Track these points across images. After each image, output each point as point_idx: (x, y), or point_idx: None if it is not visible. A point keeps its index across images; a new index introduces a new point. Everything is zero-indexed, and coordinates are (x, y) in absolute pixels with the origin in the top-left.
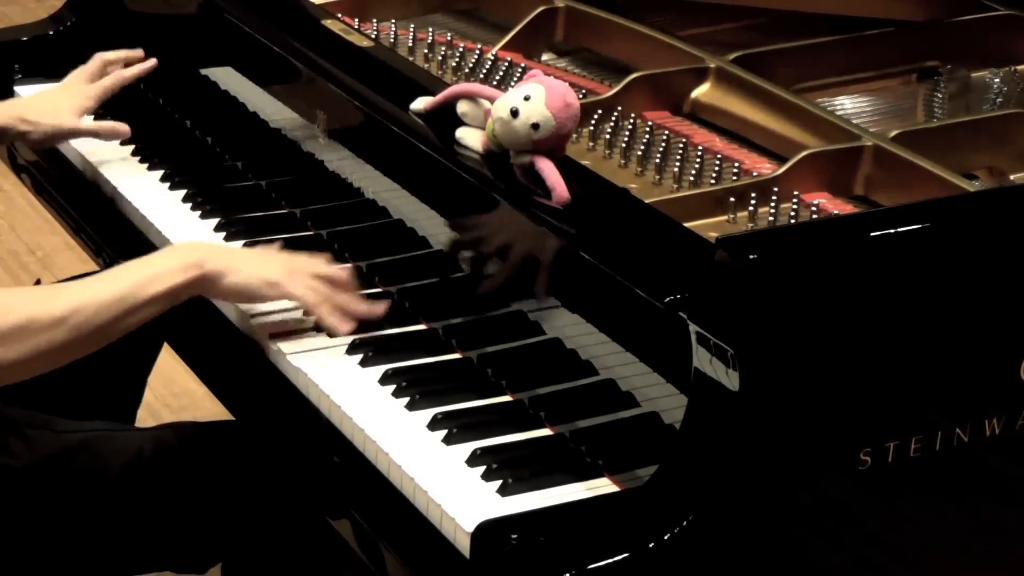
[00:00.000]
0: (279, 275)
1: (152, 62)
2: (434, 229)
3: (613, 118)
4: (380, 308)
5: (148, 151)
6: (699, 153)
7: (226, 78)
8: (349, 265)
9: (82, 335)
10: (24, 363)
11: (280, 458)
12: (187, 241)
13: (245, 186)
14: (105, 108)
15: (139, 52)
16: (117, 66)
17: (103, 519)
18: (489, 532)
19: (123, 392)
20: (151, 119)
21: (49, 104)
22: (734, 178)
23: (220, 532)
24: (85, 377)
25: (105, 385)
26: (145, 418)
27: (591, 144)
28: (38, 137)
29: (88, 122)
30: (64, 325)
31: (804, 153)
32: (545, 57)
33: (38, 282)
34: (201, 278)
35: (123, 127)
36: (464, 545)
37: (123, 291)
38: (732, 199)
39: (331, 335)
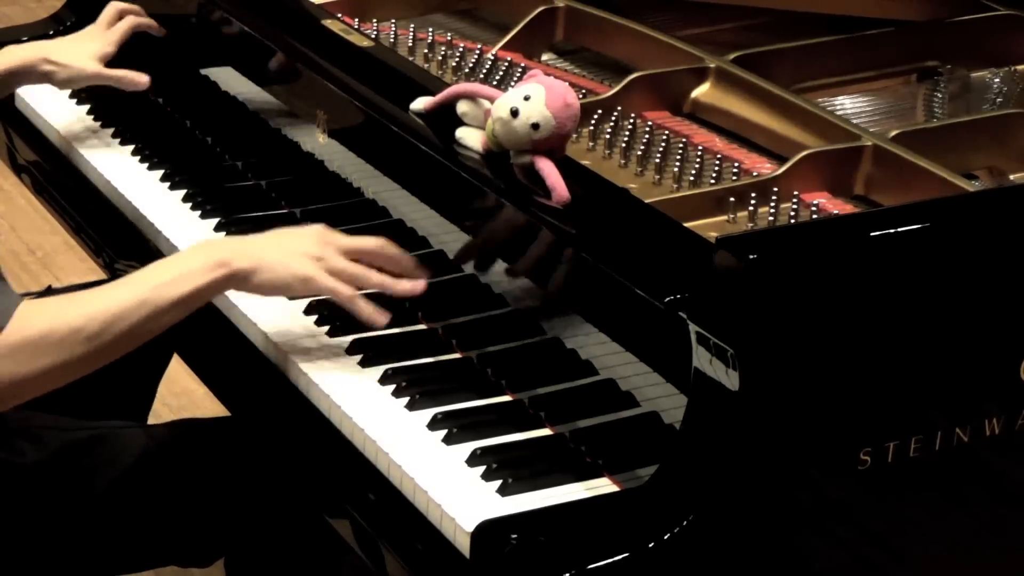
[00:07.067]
0: (311, 269)
1: (159, 27)
2: (434, 229)
3: (613, 118)
4: (421, 284)
5: (148, 151)
6: (699, 153)
7: (226, 78)
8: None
9: (102, 344)
10: (43, 377)
11: (281, 455)
12: (211, 240)
13: (245, 186)
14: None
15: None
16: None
17: (110, 514)
18: (489, 532)
19: (134, 396)
20: (151, 119)
21: (73, 49)
22: (734, 178)
23: (223, 526)
24: (96, 381)
25: (116, 390)
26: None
27: (591, 144)
28: (60, 79)
29: (109, 70)
30: (82, 334)
31: (804, 153)
32: (545, 57)
33: (48, 288)
34: (228, 277)
35: (143, 77)
36: (464, 545)
37: (143, 295)
38: (732, 199)
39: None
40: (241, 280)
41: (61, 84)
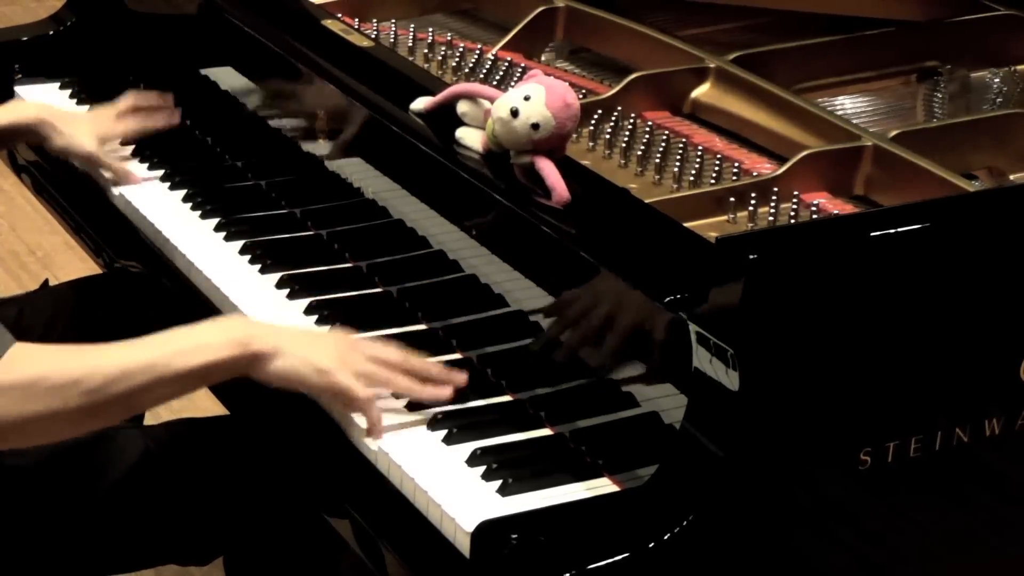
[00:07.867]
0: (330, 363)
1: (178, 116)
2: (434, 229)
3: (613, 118)
4: (446, 392)
5: (148, 151)
6: (699, 153)
7: (226, 78)
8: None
9: (100, 400)
10: (34, 424)
11: (280, 455)
12: (236, 318)
13: (245, 186)
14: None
15: (169, 98)
16: (145, 108)
17: (110, 514)
18: (489, 532)
19: None
20: None
21: (75, 122)
22: (734, 178)
23: (222, 525)
24: None
25: None
26: (144, 418)
27: (591, 144)
28: (55, 146)
29: (107, 156)
30: (80, 387)
31: (804, 153)
32: (545, 57)
33: (46, 282)
34: (244, 358)
35: (134, 176)
36: (464, 545)
37: (152, 359)
38: (732, 199)
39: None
40: (258, 363)
41: (54, 151)
